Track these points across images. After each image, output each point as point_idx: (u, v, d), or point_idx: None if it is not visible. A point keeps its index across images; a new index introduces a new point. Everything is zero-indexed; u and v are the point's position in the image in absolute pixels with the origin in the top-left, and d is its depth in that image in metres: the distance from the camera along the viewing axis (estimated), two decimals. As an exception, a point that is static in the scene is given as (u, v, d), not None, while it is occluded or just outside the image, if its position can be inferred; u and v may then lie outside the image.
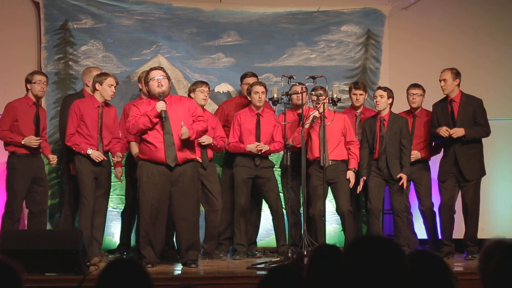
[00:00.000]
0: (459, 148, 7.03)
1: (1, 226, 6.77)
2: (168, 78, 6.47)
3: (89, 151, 6.64)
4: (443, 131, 6.98)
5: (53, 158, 6.94)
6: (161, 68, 6.52)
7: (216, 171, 7.27)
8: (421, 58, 8.31)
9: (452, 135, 6.96)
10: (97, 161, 6.65)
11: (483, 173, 7.15)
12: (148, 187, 6.34)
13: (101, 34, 7.93)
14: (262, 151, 7.19)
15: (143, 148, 6.42)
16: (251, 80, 7.53)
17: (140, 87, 7.36)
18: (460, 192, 7.14)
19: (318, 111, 6.86)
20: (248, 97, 7.37)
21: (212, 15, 8.17)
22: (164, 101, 6.32)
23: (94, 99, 6.76)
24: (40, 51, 7.78)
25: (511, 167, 8.31)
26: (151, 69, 6.49)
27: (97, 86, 6.72)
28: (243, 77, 7.64)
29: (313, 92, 6.95)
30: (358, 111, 7.51)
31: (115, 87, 6.78)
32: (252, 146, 7.18)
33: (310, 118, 7.00)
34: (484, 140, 7.21)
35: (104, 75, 6.79)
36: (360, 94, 7.44)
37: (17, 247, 5.60)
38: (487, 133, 7.09)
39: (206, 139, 6.95)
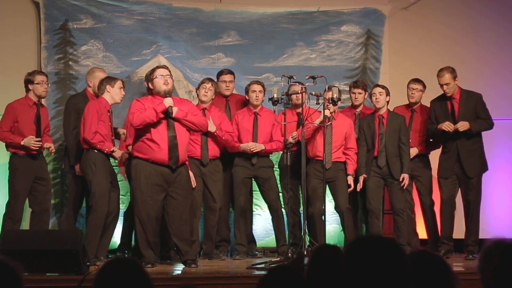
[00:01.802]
0: (462, 143, 7.01)
1: (2, 226, 6.78)
2: (172, 78, 6.49)
3: (114, 149, 6.65)
4: (446, 125, 6.95)
5: (50, 146, 6.89)
6: (167, 67, 6.52)
7: (220, 170, 7.22)
8: (421, 58, 8.31)
9: (459, 129, 6.92)
10: (119, 159, 6.71)
11: (484, 168, 7.12)
12: (146, 187, 6.29)
13: (101, 34, 7.93)
14: (256, 150, 7.18)
15: (142, 147, 6.32)
16: (227, 77, 7.51)
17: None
18: (460, 190, 7.13)
19: (329, 110, 6.81)
20: (246, 96, 7.41)
21: (212, 15, 8.17)
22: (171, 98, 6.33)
23: (105, 101, 6.73)
24: (40, 51, 7.78)
25: (510, 167, 8.31)
26: (157, 67, 6.49)
27: (108, 88, 6.70)
28: (219, 74, 7.58)
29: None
30: (358, 110, 7.50)
31: (123, 89, 6.81)
32: (244, 146, 7.19)
33: (321, 117, 6.92)
34: (483, 139, 7.21)
35: (114, 78, 6.81)
36: (359, 93, 7.43)
37: (17, 247, 5.60)
38: (490, 125, 7.07)
39: (210, 127, 6.89)
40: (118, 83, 6.74)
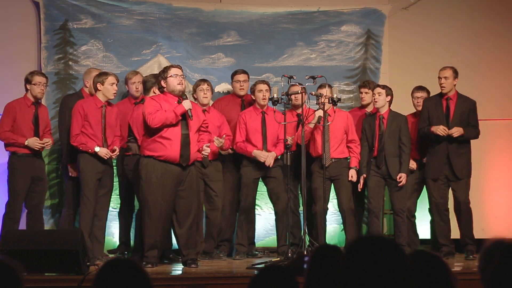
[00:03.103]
0: (452, 146, 7.02)
1: (2, 226, 6.78)
2: (185, 79, 6.47)
3: (97, 149, 6.63)
4: (441, 130, 6.95)
5: (48, 141, 6.87)
6: (181, 67, 6.42)
7: (220, 169, 7.22)
8: (421, 58, 8.31)
9: (453, 135, 6.94)
10: (105, 158, 6.66)
11: (470, 173, 7.14)
12: (157, 188, 6.21)
13: (101, 34, 7.93)
14: (271, 165, 7.13)
15: (154, 146, 6.22)
16: (241, 77, 7.52)
17: (128, 88, 7.35)
18: (451, 192, 7.13)
19: (323, 110, 6.81)
20: (253, 96, 7.40)
21: (212, 15, 8.17)
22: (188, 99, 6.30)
23: (97, 99, 6.73)
24: (40, 51, 7.78)
25: (510, 167, 8.31)
26: (171, 66, 6.39)
27: (99, 86, 6.68)
28: (233, 74, 7.60)
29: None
30: (368, 110, 7.50)
31: (116, 85, 6.77)
32: (258, 153, 7.15)
33: (316, 118, 6.94)
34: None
35: (105, 74, 6.75)
36: (366, 93, 7.46)
37: (17, 247, 5.60)
38: (478, 134, 7.12)
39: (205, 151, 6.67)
40: (109, 79, 6.69)
